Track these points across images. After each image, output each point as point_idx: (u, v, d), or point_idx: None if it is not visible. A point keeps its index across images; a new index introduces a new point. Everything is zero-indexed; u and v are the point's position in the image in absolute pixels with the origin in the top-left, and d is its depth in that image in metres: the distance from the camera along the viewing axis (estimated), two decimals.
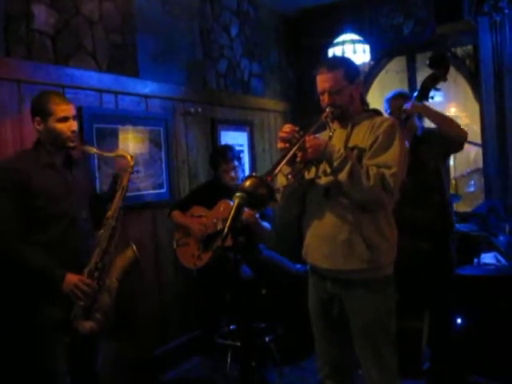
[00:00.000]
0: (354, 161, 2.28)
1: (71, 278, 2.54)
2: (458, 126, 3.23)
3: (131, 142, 3.96)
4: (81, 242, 2.67)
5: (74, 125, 2.65)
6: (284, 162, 2.21)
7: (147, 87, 4.12)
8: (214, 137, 4.84)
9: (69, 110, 2.64)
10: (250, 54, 5.51)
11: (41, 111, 2.61)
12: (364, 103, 2.60)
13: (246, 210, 3.56)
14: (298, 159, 2.28)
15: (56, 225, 2.58)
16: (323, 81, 2.45)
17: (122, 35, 3.98)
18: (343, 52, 4.87)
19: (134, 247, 2.79)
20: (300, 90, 6.18)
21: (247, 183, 2.21)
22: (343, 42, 4.93)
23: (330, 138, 2.42)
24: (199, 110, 4.64)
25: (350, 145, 2.42)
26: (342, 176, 2.24)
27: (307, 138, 2.27)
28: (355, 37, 4.97)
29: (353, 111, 2.49)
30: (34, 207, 2.52)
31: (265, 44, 5.77)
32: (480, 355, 3.45)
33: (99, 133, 3.67)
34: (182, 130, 4.53)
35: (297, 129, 2.30)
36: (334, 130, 2.45)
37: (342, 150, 2.29)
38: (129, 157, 2.82)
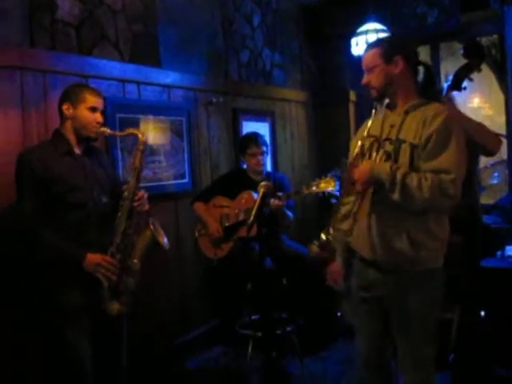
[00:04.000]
0: (404, 178, 2.19)
1: (93, 257, 2.60)
2: (493, 135, 3.07)
3: (153, 132, 3.97)
4: (101, 228, 2.71)
5: (100, 117, 2.74)
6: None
7: (169, 77, 4.12)
8: (236, 127, 4.84)
9: (100, 102, 2.75)
10: (271, 44, 5.48)
11: (73, 97, 2.68)
12: (421, 88, 2.47)
13: (275, 199, 3.59)
14: (351, 193, 2.33)
15: (76, 211, 2.63)
16: (362, 61, 2.42)
17: (144, 25, 3.98)
18: (367, 41, 4.82)
19: (152, 227, 2.80)
20: (321, 80, 6.13)
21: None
22: (366, 32, 4.88)
23: (384, 118, 2.41)
24: (221, 99, 4.63)
25: (401, 136, 2.31)
26: (395, 196, 2.22)
27: (354, 171, 2.29)
28: (378, 26, 4.91)
29: (398, 95, 2.40)
30: (54, 194, 2.59)
31: (286, 34, 5.74)
32: (504, 348, 3.42)
33: (122, 122, 3.68)
34: (204, 120, 4.53)
35: None
36: (375, 114, 2.42)
37: (388, 171, 2.22)
38: (140, 134, 2.79)
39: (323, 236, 2.35)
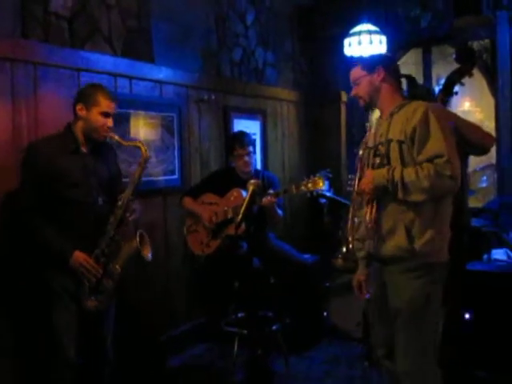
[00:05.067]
0: (402, 177, 2.34)
1: (78, 256, 2.69)
2: (486, 133, 3.18)
3: (143, 128, 3.97)
4: (96, 227, 2.77)
5: (111, 122, 2.81)
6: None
7: (162, 73, 4.11)
8: (227, 125, 4.83)
9: (113, 107, 2.81)
10: (264, 43, 5.48)
11: (87, 99, 2.75)
12: (403, 93, 2.67)
13: (268, 196, 3.60)
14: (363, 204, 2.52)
15: (72, 207, 2.71)
16: (350, 77, 2.65)
17: (138, 20, 3.97)
18: (359, 42, 4.83)
19: (138, 239, 2.86)
20: (313, 80, 6.14)
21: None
22: (359, 32, 4.88)
23: (376, 129, 2.60)
24: (213, 97, 4.63)
25: (390, 136, 2.47)
26: (400, 196, 2.36)
27: (360, 183, 2.49)
28: (372, 27, 4.92)
29: (383, 101, 2.59)
30: (52, 189, 2.67)
31: (279, 33, 5.74)
32: (487, 350, 3.44)
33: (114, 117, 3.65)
34: (196, 117, 4.52)
35: None
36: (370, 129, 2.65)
37: (386, 175, 2.38)
38: (143, 149, 2.86)
39: (344, 248, 2.49)
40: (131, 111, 3.85)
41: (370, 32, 4.87)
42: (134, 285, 3.69)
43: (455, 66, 3.27)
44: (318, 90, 6.01)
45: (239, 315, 4.03)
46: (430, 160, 2.32)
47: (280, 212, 3.94)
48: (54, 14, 3.35)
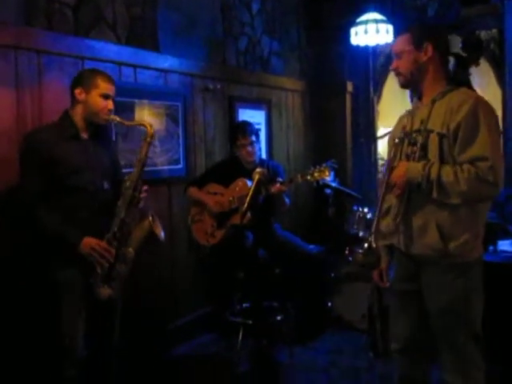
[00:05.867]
0: (439, 176, 2.18)
1: (89, 241, 2.62)
2: None
3: (148, 117, 3.94)
4: (101, 213, 2.73)
5: (111, 104, 2.76)
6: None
7: (167, 62, 4.08)
8: (232, 114, 4.81)
9: (112, 89, 2.77)
10: (270, 32, 5.44)
11: (86, 82, 2.71)
12: (451, 77, 2.43)
13: (277, 184, 3.59)
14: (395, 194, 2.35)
15: (76, 194, 2.66)
16: (393, 45, 2.43)
17: (143, 9, 3.94)
18: (366, 31, 4.79)
19: (151, 218, 2.82)
20: (319, 69, 6.08)
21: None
22: (366, 22, 4.84)
23: (413, 113, 2.41)
24: (218, 86, 4.60)
25: (429, 126, 2.29)
26: (434, 195, 2.21)
27: (391, 176, 2.31)
28: (379, 16, 4.88)
29: (426, 83, 2.38)
30: (55, 176, 2.61)
31: (285, 22, 5.69)
32: (494, 342, 3.43)
33: (117, 106, 3.61)
34: (200, 106, 4.50)
35: None
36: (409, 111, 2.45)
37: (421, 171, 2.21)
38: (148, 126, 2.82)
39: (366, 244, 2.33)
40: (136, 100, 3.83)
41: (376, 21, 4.83)
42: (140, 274, 3.68)
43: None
44: (324, 80, 5.97)
45: (244, 305, 4.03)
46: (471, 162, 2.15)
47: (287, 200, 3.94)
48: (57, 1, 3.31)
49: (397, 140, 2.42)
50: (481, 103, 2.24)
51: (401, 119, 2.55)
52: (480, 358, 2.34)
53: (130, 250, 2.76)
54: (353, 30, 4.95)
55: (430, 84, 2.36)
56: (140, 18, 3.91)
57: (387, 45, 5.03)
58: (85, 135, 2.76)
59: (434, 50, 2.34)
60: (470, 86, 2.39)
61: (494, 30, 5.08)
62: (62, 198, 2.65)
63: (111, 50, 3.63)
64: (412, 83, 2.41)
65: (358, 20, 4.92)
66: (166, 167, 4.12)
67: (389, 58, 5.65)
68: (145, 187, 2.80)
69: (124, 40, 3.79)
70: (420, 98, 2.45)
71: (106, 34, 3.66)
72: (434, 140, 2.26)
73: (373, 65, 5.87)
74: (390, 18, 5.02)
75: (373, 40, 4.91)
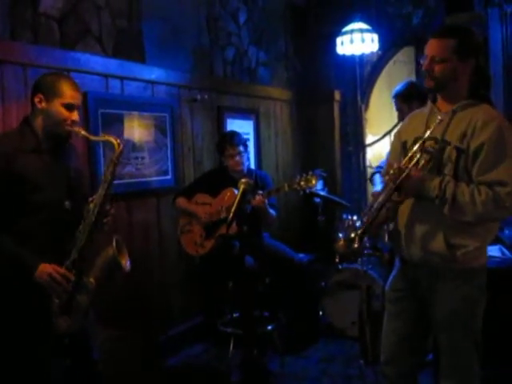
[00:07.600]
0: (454, 195, 2.13)
1: (45, 267, 2.31)
2: None
3: (137, 128, 3.95)
4: (63, 234, 2.43)
5: (76, 115, 2.44)
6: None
7: (153, 73, 4.09)
8: (220, 125, 4.82)
9: (78, 98, 2.44)
10: (257, 42, 5.48)
11: (47, 89, 2.38)
12: (475, 92, 2.30)
13: (258, 196, 3.58)
14: (396, 199, 2.26)
15: (36, 214, 2.36)
16: (430, 45, 2.28)
17: (129, 20, 3.95)
18: (352, 41, 4.83)
19: (115, 245, 2.49)
20: (306, 78, 6.13)
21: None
22: (352, 31, 4.90)
23: (428, 119, 2.32)
24: (205, 96, 4.61)
25: (447, 137, 2.22)
26: (445, 210, 2.16)
27: (403, 182, 2.18)
28: (364, 26, 4.93)
29: (453, 92, 2.28)
30: (13, 193, 2.32)
31: (272, 32, 5.73)
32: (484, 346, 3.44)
33: (105, 118, 3.65)
34: (188, 117, 4.51)
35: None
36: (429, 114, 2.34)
37: (437, 186, 2.15)
38: (116, 143, 2.45)
39: (352, 234, 2.24)
40: (124, 112, 3.84)
41: (361, 31, 4.89)
42: (130, 285, 3.67)
43: None
44: (311, 89, 6.01)
45: (235, 315, 4.02)
46: (490, 185, 2.11)
47: (273, 212, 3.91)
48: (43, 14, 3.32)
49: (409, 142, 2.35)
50: (506, 126, 2.20)
51: (412, 118, 2.48)
52: (478, 365, 2.33)
53: (91, 280, 2.45)
54: (338, 40, 5.00)
55: (454, 93, 2.29)
56: (126, 29, 3.92)
57: (373, 54, 5.08)
58: (46, 147, 2.42)
59: (474, 63, 2.27)
60: (490, 103, 2.34)
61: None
62: (17, 217, 2.33)
63: (98, 62, 3.63)
64: (442, 90, 2.31)
65: (344, 30, 4.97)
66: (154, 178, 4.12)
67: (375, 68, 5.70)
68: (112, 210, 2.52)
69: (110, 52, 3.79)
70: (434, 101, 2.38)
71: (92, 46, 3.67)
72: (451, 154, 2.20)
73: (360, 73, 5.92)
74: (375, 27, 5.08)
75: (358, 49, 4.96)
